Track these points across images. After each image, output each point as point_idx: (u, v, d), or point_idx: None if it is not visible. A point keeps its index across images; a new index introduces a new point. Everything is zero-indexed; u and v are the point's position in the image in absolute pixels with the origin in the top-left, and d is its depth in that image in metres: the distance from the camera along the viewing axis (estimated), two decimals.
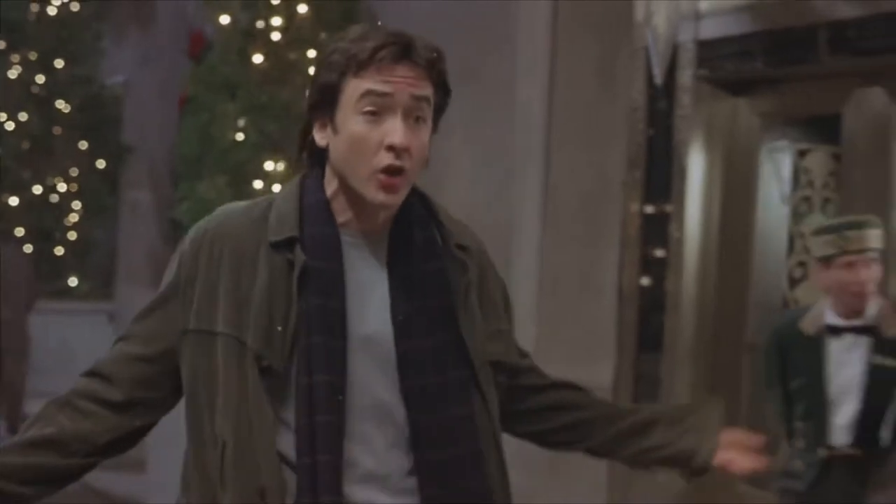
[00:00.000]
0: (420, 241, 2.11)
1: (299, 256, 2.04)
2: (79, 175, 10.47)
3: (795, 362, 4.00)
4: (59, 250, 10.44)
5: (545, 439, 2.33)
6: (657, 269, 5.56)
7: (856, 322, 3.96)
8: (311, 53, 6.26)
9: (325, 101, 2.06)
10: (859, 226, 3.98)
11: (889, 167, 4.85)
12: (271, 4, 6.22)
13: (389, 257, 2.10)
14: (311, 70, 6.49)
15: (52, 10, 10.34)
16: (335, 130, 2.05)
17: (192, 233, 2.13)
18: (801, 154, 5.62)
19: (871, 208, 4.82)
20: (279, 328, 2.02)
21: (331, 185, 2.10)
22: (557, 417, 2.28)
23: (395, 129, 2.01)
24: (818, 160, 5.55)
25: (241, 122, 6.26)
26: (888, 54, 4.66)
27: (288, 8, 6.24)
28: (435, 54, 2.05)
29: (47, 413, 2.11)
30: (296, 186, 2.14)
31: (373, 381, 2.04)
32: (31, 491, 2.08)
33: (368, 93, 2.01)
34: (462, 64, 6.07)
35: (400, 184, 2.04)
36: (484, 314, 2.15)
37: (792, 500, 4.01)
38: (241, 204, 2.18)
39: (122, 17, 10.53)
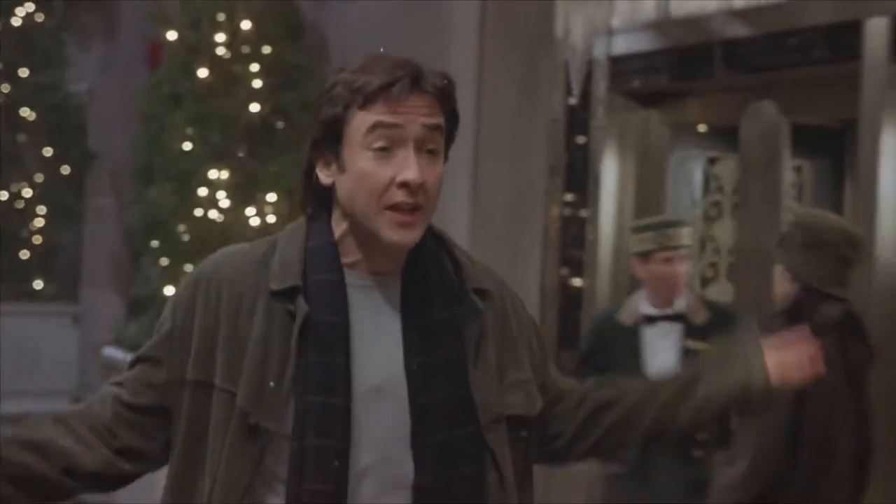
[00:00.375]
0: (436, 284, 1.96)
1: (301, 308, 1.89)
2: (44, 181, 10.67)
3: (614, 353, 4.33)
4: (25, 254, 10.66)
5: (602, 448, 2.16)
6: (576, 269, 5.92)
7: (668, 311, 4.32)
8: (254, 67, 6.60)
9: (328, 138, 1.92)
10: (675, 225, 4.37)
11: (779, 173, 5.22)
12: (216, 21, 6.55)
13: (403, 301, 1.95)
14: (255, 83, 6.88)
15: (16, 21, 10.55)
16: (341, 168, 1.92)
17: (187, 277, 2.01)
18: (712, 161, 5.99)
19: (765, 211, 5.20)
20: (271, 384, 1.87)
21: (339, 227, 1.96)
22: (601, 420, 2.12)
23: (408, 165, 1.86)
24: (727, 167, 5.91)
25: (189, 132, 6.59)
26: (775, 70, 5.02)
27: (231, 24, 6.57)
28: (445, 81, 1.93)
29: (41, 421, 2.01)
30: (301, 229, 1.99)
31: (383, 435, 1.90)
32: (9, 490, 1.96)
33: (377, 125, 1.88)
34: None
35: (416, 220, 1.89)
36: (501, 364, 2.00)
37: (618, 484, 4.30)
38: (241, 246, 2.03)
39: (86, 26, 10.78)
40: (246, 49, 6.60)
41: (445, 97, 1.92)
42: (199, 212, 6.46)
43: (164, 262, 6.63)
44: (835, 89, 4.78)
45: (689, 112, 5.76)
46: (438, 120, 1.91)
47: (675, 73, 5.51)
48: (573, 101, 5.90)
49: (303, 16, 6.99)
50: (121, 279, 10.06)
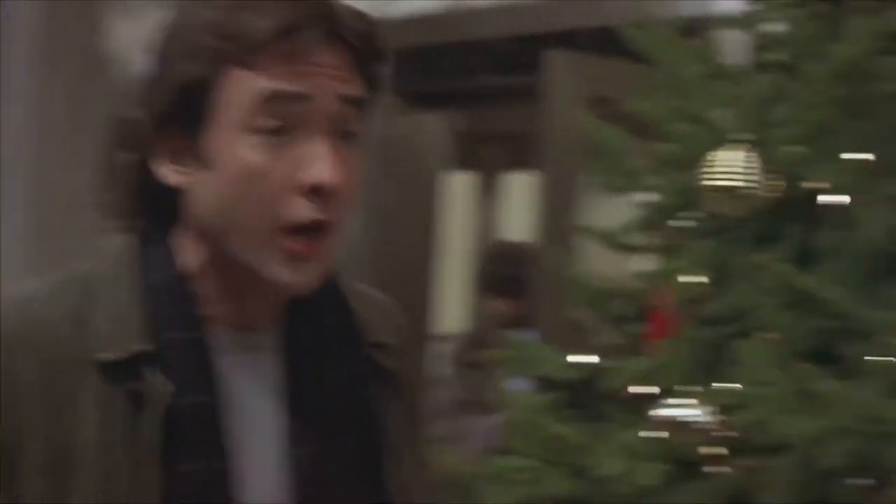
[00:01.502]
0: (330, 338, 1.30)
1: (158, 388, 1.19)
2: None
3: None
4: None
5: None
6: None
7: None
8: None
9: (182, 112, 1.21)
10: None
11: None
12: None
13: (286, 366, 1.28)
14: None
15: None
16: (203, 161, 1.21)
17: None
18: None
19: None
20: None
21: (191, 253, 1.26)
22: None
23: (317, 157, 1.19)
24: None
25: None
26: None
27: None
28: (370, 26, 1.24)
29: None
30: (127, 257, 1.27)
31: None
32: None
33: (272, 97, 1.18)
34: None
35: (321, 251, 1.22)
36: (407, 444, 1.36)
37: None
38: (31, 291, 1.27)
39: None
40: None
41: (370, 53, 1.24)
42: None
43: None
44: None
45: None
46: (359, 91, 1.23)
47: None
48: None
49: None
50: None
